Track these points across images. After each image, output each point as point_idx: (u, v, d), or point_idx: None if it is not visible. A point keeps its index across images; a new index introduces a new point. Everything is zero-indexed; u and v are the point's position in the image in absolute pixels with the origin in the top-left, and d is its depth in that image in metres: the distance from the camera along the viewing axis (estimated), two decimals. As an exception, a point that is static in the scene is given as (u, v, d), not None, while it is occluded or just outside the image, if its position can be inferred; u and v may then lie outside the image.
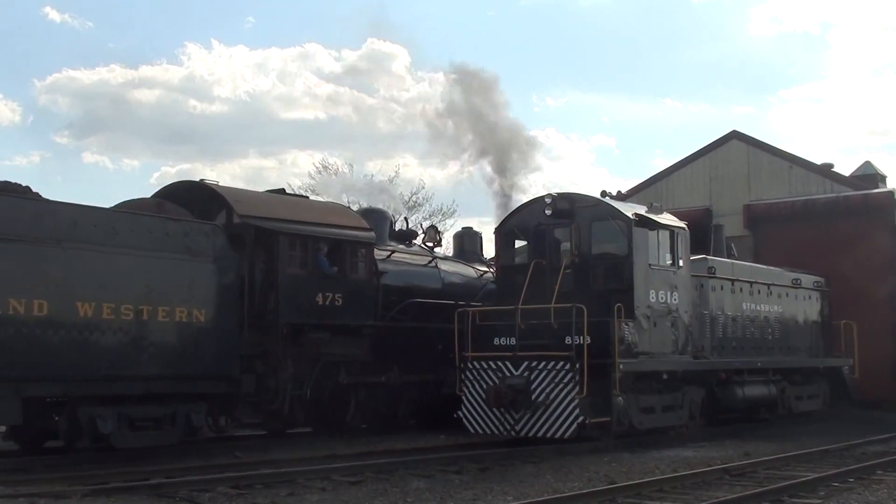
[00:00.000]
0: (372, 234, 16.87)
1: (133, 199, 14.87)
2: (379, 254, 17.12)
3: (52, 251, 12.30)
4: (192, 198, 15.27)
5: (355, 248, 16.24)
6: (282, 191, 18.44)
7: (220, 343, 13.96)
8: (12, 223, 11.99)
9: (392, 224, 19.50)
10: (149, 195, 15.78)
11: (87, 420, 12.68)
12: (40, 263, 12.17)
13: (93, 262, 12.67)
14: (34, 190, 12.93)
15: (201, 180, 15.89)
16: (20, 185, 12.74)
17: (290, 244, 15.25)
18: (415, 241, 19.54)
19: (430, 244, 19.59)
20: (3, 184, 12.59)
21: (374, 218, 18.19)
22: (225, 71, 62.77)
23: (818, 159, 26.17)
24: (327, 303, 15.58)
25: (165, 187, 16.13)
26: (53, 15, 61.64)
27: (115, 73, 62.91)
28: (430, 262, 18.71)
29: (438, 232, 19.92)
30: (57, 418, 12.98)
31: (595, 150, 65.88)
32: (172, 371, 13.48)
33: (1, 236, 11.85)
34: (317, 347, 15.64)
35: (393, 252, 17.82)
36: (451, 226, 35.51)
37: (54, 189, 63.23)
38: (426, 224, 20.14)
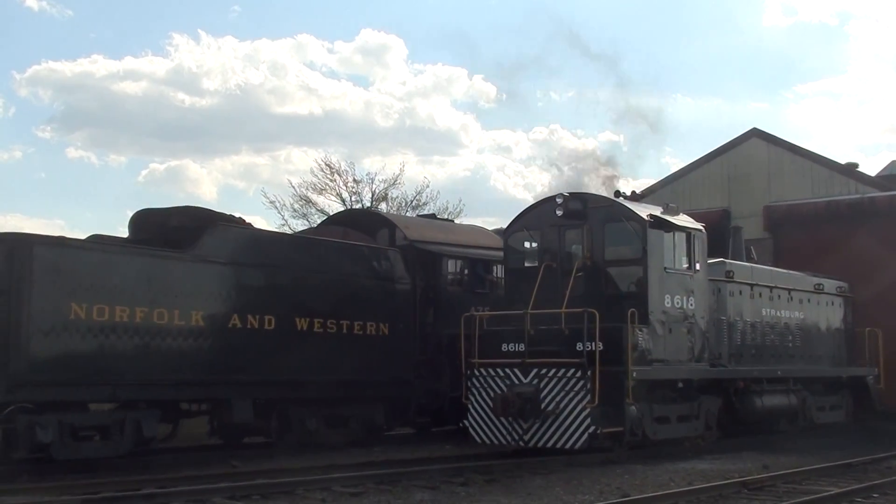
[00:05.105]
0: None
1: (314, 227, 17.54)
2: None
3: (278, 274, 14.76)
4: (357, 221, 18.10)
5: (500, 267, 18.06)
6: (433, 216, 22.13)
7: (399, 352, 16.42)
8: (250, 252, 14.51)
9: None
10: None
11: (297, 420, 14.89)
12: (270, 285, 14.59)
13: (307, 283, 15.11)
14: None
15: (368, 207, 19.11)
16: (233, 216, 15.05)
17: (449, 264, 17.96)
18: None
19: None
20: (218, 214, 14.70)
21: None
22: (214, 63, 60.87)
23: (837, 158, 25.76)
24: None
25: (338, 213, 19.15)
26: (31, 2, 60.50)
27: (98, 65, 62.08)
28: None
29: None
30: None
31: (602, 147, 65.07)
32: (364, 377, 15.80)
33: (243, 263, 14.29)
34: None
35: None
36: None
37: (38, 186, 61.34)
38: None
